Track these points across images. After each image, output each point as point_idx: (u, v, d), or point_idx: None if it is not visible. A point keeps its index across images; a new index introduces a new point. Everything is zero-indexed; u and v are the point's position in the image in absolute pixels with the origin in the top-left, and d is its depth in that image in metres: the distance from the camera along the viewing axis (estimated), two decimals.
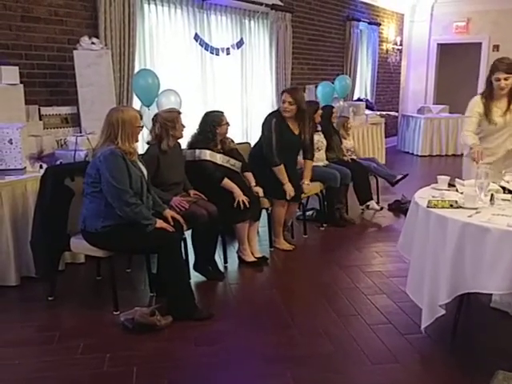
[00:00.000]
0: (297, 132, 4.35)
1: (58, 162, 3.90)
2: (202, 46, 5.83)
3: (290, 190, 4.30)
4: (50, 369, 2.65)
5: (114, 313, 3.23)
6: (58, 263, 3.56)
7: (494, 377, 1.10)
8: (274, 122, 4.25)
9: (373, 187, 5.87)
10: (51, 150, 4.14)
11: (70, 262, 3.98)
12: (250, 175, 4.31)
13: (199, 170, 4.03)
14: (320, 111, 5.22)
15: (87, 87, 4.36)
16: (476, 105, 3.76)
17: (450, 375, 2.62)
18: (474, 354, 2.84)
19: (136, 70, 5.00)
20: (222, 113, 4.22)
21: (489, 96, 3.74)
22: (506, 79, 3.63)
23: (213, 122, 4.12)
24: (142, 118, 3.26)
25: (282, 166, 4.28)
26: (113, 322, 3.12)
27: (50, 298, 3.43)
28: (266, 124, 4.30)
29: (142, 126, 3.31)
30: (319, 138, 5.33)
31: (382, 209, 5.82)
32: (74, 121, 4.52)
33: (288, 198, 4.34)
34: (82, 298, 3.56)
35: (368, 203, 5.75)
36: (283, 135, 4.27)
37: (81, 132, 4.32)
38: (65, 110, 4.48)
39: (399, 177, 5.97)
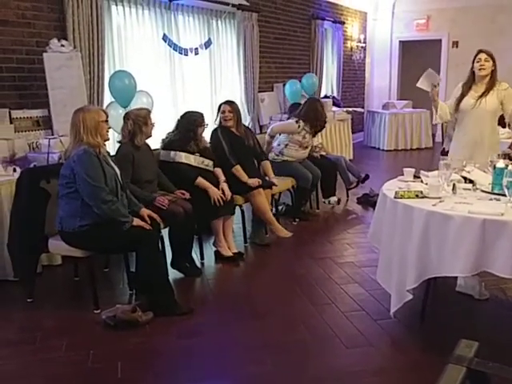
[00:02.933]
0: (242, 136, 4.66)
1: (32, 165, 3.91)
2: (170, 46, 5.87)
3: (253, 181, 4.51)
4: (35, 367, 2.69)
5: (95, 311, 3.27)
6: (37, 265, 3.57)
7: (457, 345, 1.22)
8: (220, 132, 4.57)
9: (340, 182, 6.04)
10: (23, 153, 4.14)
11: (46, 264, 3.98)
12: (219, 171, 4.39)
13: (174, 170, 4.12)
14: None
15: (58, 90, 4.36)
16: (456, 89, 4.05)
17: (419, 356, 2.77)
18: (442, 335, 3.00)
19: (106, 71, 5.02)
20: (202, 114, 4.34)
21: (469, 81, 3.95)
22: (486, 60, 3.82)
23: (195, 122, 4.24)
24: (107, 115, 3.30)
25: (238, 166, 4.52)
26: (94, 321, 3.16)
27: (29, 300, 3.44)
28: (213, 137, 4.61)
29: (107, 121, 3.31)
30: (309, 139, 5.43)
31: (339, 203, 5.96)
32: (46, 123, 4.52)
33: (258, 184, 4.52)
34: (62, 298, 3.60)
35: (329, 198, 5.94)
36: (232, 141, 4.57)
37: (53, 134, 4.33)
38: (36, 113, 4.47)
39: (354, 185, 6.21)
